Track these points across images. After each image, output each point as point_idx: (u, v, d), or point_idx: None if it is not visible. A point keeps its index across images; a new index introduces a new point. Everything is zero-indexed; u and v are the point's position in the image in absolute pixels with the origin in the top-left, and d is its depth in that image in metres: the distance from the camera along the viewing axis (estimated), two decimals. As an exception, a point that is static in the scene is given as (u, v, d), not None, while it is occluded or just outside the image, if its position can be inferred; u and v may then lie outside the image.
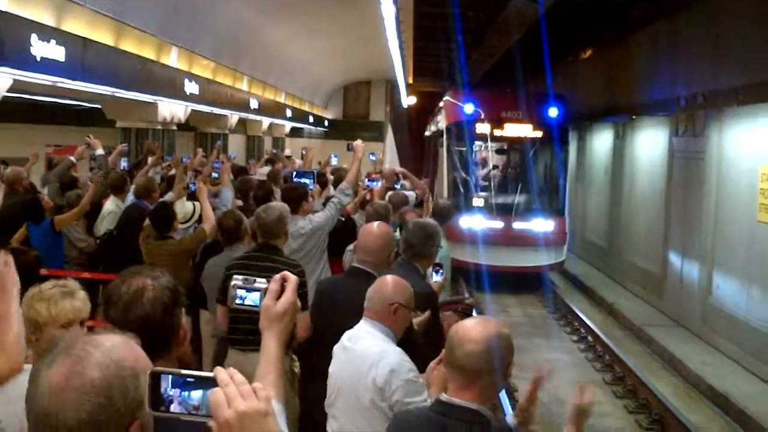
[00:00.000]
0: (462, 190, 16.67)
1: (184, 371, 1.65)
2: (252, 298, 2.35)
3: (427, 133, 26.30)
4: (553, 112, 16.27)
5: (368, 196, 8.33)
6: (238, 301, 2.36)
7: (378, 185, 8.68)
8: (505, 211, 16.13)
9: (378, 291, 3.83)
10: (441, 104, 19.64)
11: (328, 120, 33.18)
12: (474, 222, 15.91)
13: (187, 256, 6.92)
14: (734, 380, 10.16)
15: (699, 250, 12.54)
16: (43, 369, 1.61)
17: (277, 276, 2.28)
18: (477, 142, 17.19)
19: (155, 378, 1.61)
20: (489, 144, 17.24)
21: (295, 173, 9.27)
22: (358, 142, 7.74)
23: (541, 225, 16.02)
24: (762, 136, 10.78)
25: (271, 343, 2.19)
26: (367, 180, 9.02)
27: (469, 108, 16.43)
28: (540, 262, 16.02)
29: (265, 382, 2.08)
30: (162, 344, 2.21)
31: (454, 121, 17.05)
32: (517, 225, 16.01)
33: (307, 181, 8.05)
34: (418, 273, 4.94)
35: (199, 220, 7.85)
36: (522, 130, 16.63)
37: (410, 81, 29.88)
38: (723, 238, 11.89)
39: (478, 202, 16.28)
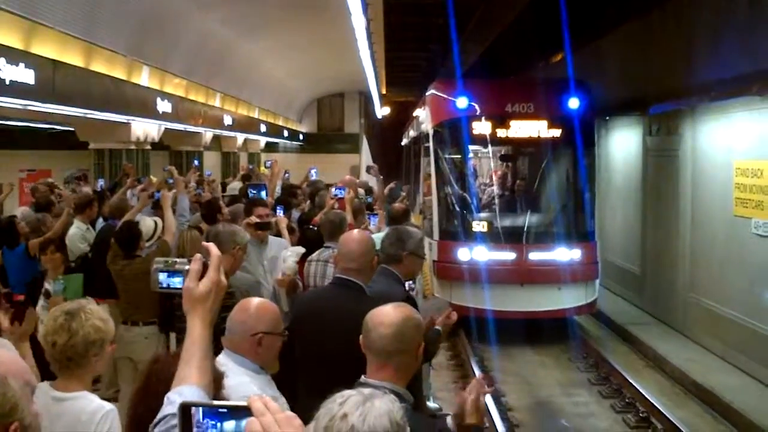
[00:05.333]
0: (457, 210, 12.90)
1: (216, 402, 1.63)
2: (174, 281, 2.25)
3: (404, 141, 22.76)
4: (573, 103, 12.62)
5: (336, 206, 8.20)
6: (160, 285, 2.27)
7: (344, 193, 8.51)
8: (517, 238, 12.37)
9: (238, 320, 3.53)
10: (422, 104, 15.69)
11: (303, 134, 33.19)
12: (475, 254, 12.32)
13: None
14: (719, 375, 10.21)
15: (677, 247, 12.61)
16: None
17: (197, 255, 2.17)
18: (474, 147, 13.51)
19: (186, 410, 1.57)
20: (491, 148, 13.93)
21: (249, 186, 9.26)
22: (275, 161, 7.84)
23: (565, 254, 12.37)
24: (735, 131, 10.88)
25: (195, 324, 2.11)
26: (334, 189, 8.86)
27: (462, 102, 12.58)
28: (564, 304, 12.31)
29: (190, 366, 2.04)
30: None
31: (444, 120, 13.13)
32: (534, 255, 12.33)
33: (258, 192, 8.26)
34: (396, 278, 4.84)
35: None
36: (534, 128, 12.87)
37: (383, 91, 29.97)
38: (700, 234, 11.95)
39: (479, 226, 12.49)
